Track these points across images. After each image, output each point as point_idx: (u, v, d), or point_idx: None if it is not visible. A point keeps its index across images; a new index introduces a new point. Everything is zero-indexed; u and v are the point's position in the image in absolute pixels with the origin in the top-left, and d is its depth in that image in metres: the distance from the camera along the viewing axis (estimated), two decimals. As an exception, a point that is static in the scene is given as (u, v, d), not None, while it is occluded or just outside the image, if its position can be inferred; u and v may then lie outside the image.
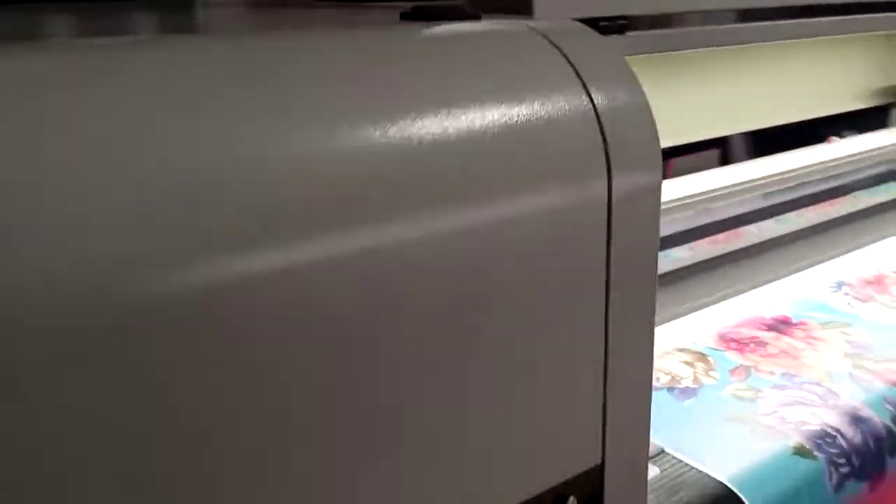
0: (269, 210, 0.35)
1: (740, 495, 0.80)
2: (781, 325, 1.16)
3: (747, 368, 1.04)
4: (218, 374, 0.34)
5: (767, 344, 1.11)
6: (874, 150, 1.44)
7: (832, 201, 1.49)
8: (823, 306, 1.22)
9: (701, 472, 0.81)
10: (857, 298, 1.24)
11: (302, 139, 0.37)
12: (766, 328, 1.15)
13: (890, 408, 0.97)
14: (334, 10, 0.66)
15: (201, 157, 0.34)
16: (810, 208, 1.46)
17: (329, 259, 0.37)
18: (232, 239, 0.34)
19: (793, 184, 1.35)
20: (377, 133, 0.40)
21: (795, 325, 1.17)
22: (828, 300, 1.24)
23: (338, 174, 0.38)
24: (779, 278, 1.27)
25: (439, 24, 0.47)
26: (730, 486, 0.80)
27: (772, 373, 1.03)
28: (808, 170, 1.32)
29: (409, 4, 0.50)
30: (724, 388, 0.99)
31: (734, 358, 1.06)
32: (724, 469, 0.82)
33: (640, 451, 0.58)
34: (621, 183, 0.48)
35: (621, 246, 0.49)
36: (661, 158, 0.50)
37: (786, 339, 1.13)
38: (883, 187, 1.57)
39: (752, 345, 1.10)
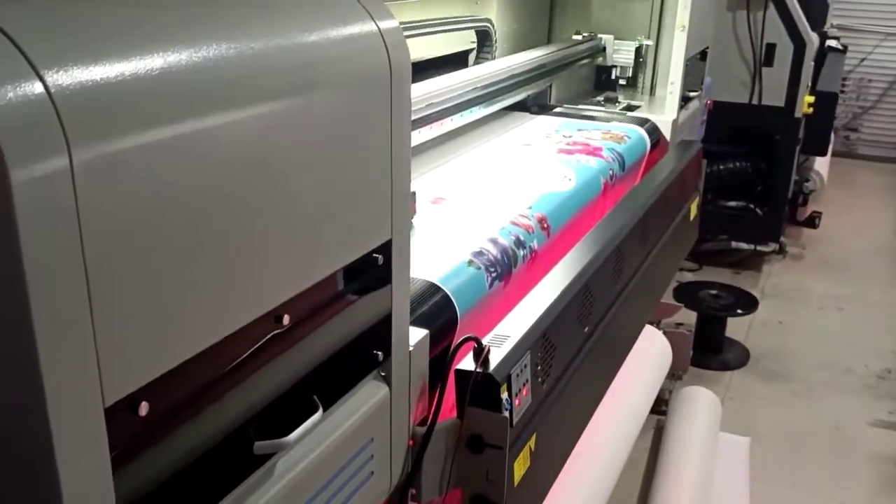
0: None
1: (443, 287, 1.27)
2: (439, 200, 1.68)
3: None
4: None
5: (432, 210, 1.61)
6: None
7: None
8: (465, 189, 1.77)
9: (419, 278, 1.27)
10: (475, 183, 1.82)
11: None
12: (433, 203, 1.66)
13: (511, 236, 1.52)
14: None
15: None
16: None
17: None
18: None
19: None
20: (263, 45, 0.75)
21: (445, 198, 1.70)
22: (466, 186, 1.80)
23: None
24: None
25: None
26: (437, 283, 1.27)
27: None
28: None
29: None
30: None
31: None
32: (432, 276, 1.29)
33: (406, 232, 1.00)
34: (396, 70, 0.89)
35: (396, 111, 0.91)
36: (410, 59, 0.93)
37: (441, 206, 1.64)
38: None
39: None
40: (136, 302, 0.60)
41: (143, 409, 0.62)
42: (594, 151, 2.13)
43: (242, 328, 0.72)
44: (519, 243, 1.53)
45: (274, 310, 0.77)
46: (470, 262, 1.38)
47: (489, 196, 1.72)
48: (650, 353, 2.38)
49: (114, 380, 0.59)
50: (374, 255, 0.94)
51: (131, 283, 0.59)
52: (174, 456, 0.68)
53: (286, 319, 0.78)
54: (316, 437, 0.88)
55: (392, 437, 1.04)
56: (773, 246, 4.05)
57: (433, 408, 1.12)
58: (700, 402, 2.58)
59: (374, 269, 0.94)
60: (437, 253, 1.39)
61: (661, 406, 2.68)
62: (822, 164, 4.49)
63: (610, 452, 1.97)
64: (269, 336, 0.77)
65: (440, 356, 1.18)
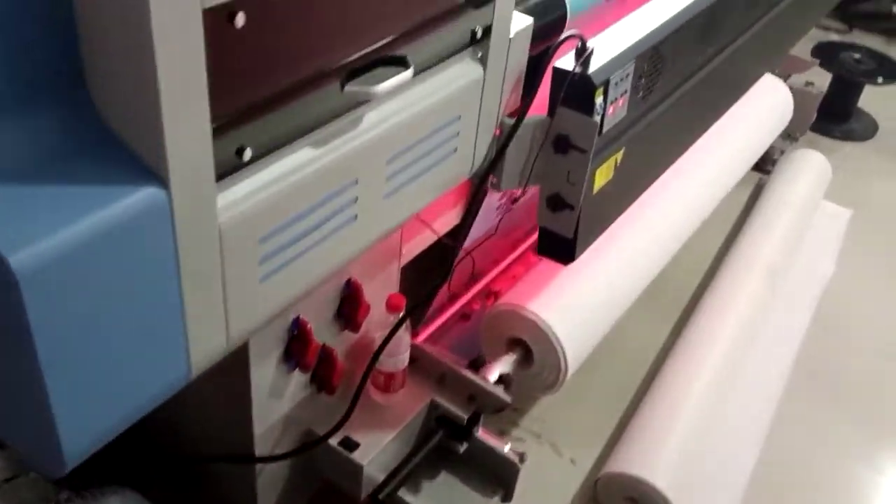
0: None
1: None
2: None
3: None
4: None
5: None
6: None
7: None
8: None
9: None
10: None
11: None
12: None
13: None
14: None
15: None
16: None
17: None
18: None
19: None
20: None
21: None
22: None
23: None
24: None
25: None
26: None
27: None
28: None
29: None
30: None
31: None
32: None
33: None
34: None
35: None
36: None
37: None
38: None
39: None
40: None
41: (240, 20, 0.64)
42: None
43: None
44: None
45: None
46: (592, -36, 1.30)
47: None
48: (768, 103, 2.27)
49: (210, -15, 0.61)
50: None
51: None
52: (267, 78, 0.71)
53: (386, -33, 0.77)
54: (406, 98, 0.90)
55: (480, 121, 1.06)
56: (941, 16, 3.64)
57: (525, 100, 1.12)
58: (809, 164, 2.49)
59: (483, -63, 0.90)
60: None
61: (767, 165, 2.61)
62: None
63: (700, 188, 1.97)
64: (367, -19, 0.77)
65: (541, 56, 1.16)
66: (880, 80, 2.90)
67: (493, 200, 1.40)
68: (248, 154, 0.71)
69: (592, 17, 1.29)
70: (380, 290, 1.26)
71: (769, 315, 2.06)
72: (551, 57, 1.10)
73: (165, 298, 0.69)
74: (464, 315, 1.78)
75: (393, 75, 0.83)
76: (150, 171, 0.64)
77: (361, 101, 0.83)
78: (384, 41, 0.83)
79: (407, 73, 0.84)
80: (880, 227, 2.58)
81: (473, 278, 1.66)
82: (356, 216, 0.89)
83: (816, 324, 2.13)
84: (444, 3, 0.90)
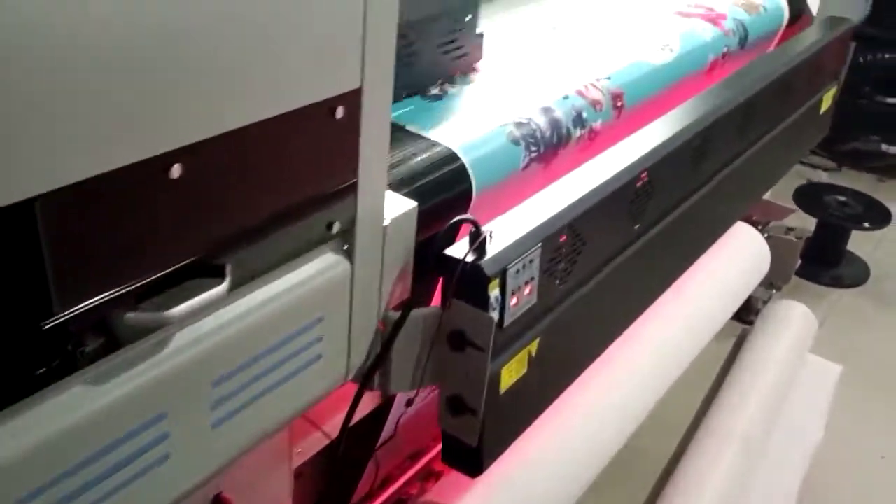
0: None
1: (461, 156, 1.08)
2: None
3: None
4: None
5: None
6: None
7: None
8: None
9: (436, 141, 1.09)
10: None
11: None
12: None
13: (572, 111, 1.29)
14: None
15: None
16: None
17: None
18: None
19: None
20: None
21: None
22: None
23: None
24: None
25: None
26: (455, 150, 1.09)
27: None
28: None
29: None
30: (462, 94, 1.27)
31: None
32: (455, 141, 1.10)
33: (386, 83, 0.82)
34: None
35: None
36: None
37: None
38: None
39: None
40: None
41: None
42: (714, 19, 1.81)
43: (105, 175, 0.59)
44: (579, 121, 1.31)
45: (158, 157, 0.62)
46: (508, 132, 1.18)
47: (567, 52, 1.48)
48: (741, 256, 2.12)
49: None
50: (333, 106, 0.77)
51: None
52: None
53: (176, 171, 0.64)
54: (236, 309, 0.75)
55: (353, 319, 0.91)
56: (931, 155, 3.54)
57: (416, 291, 0.97)
58: (791, 317, 2.33)
59: (328, 125, 0.77)
60: (477, 115, 1.19)
61: (750, 316, 2.45)
62: None
63: (668, 346, 1.79)
64: (152, 189, 0.63)
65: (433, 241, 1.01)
66: (866, 225, 2.77)
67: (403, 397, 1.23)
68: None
69: (509, 189, 1.16)
70: (267, 499, 1.09)
71: (752, 486, 1.85)
72: (442, 244, 0.96)
73: None
74: (399, 501, 1.59)
75: (201, 291, 0.69)
76: None
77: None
78: (192, 251, 0.69)
79: (220, 288, 0.70)
80: (874, 383, 2.38)
81: (381, 480, 1.48)
82: (168, 455, 0.73)
83: (805, 493, 1.91)
84: (276, 200, 0.76)
